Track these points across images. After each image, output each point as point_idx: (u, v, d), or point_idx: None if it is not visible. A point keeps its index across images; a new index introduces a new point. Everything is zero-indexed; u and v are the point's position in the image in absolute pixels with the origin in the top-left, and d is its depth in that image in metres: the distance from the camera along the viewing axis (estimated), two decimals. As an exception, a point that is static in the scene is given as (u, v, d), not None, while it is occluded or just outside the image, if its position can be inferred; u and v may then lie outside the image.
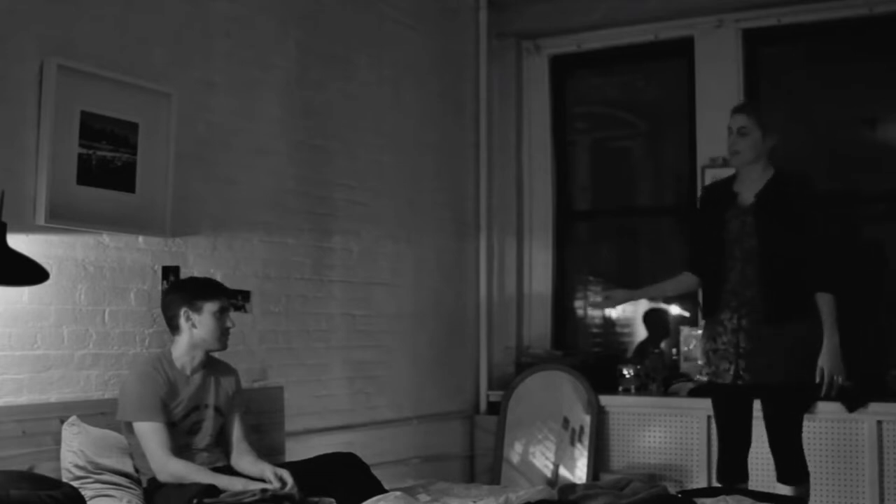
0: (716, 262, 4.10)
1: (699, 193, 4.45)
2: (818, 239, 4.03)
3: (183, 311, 3.59)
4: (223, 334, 3.63)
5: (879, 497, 4.72)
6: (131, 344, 3.84)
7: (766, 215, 4.01)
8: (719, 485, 4.14)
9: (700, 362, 4.85)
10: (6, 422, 3.31)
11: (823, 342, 3.94)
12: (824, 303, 3.97)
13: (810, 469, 4.10)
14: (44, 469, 3.31)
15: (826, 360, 3.93)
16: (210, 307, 3.60)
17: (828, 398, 4.34)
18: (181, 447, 3.52)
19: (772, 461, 4.08)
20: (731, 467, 4.13)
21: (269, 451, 4.11)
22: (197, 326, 3.59)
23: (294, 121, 4.63)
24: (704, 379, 5.12)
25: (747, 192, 4.10)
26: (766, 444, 4.07)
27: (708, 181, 5.42)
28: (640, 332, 6.15)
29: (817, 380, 3.93)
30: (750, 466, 4.18)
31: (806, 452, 4.06)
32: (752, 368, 4.00)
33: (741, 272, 4.03)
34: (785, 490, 3.99)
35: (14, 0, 3.45)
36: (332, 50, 4.86)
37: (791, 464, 4.03)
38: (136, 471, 3.52)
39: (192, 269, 4.08)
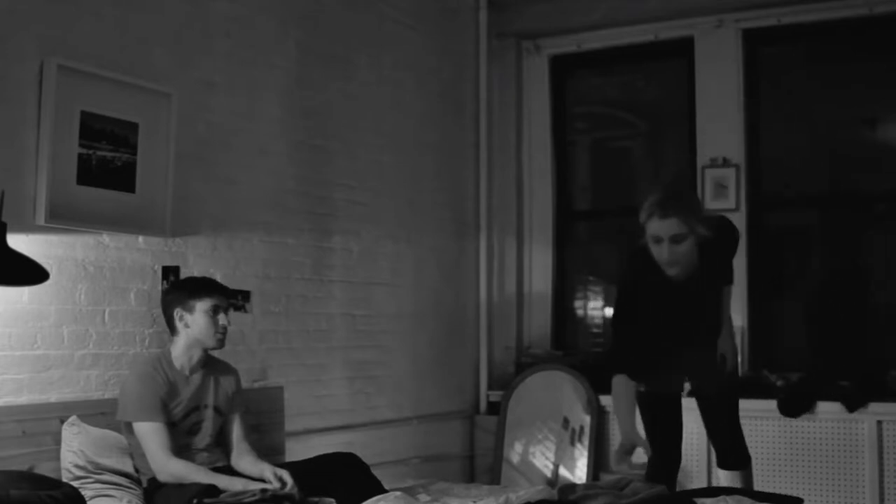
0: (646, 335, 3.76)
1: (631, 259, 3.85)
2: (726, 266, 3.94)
3: (177, 312, 3.61)
4: (217, 332, 3.62)
5: (879, 497, 4.72)
6: (131, 344, 3.84)
7: (699, 286, 3.71)
8: (709, 485, 4.14)
9: None
10: (6, 422, 3.31)
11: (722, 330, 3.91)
12: (726, 294, 3.94)
13: (808, 467, 4.09)
14: (44, 469, 3.31)
15: (722, 344, 3.92)
16: (202, 306, 3.60)
17: (729, 382, 4.06)
18: (181, 447, 3.52)
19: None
20: (670, 465, 4.00)
21: (269, 451, 4.11)
22: (190, 326, 3.60)
23: (294, 121, 4.63)
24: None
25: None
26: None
27: (709, 181, 5.45)
28: (640, 332, 6.14)
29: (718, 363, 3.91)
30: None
31: (806, 453, 4.06)
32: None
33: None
34: (728, 476, 3.93)
35: (14, 0, 3.45)
36: (332, 50, 4.86)
37: (733, 449, 3.97)
38: (136, 471, 3.52)
39: (192, 269, 4.08)
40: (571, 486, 3.91)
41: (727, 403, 4.02)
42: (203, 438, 3.62)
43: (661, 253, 3.53)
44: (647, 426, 4.00)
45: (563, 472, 5.34)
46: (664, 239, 3.50)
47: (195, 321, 3.59)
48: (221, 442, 3.70)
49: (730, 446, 3.99)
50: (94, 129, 3.65)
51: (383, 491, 3.60)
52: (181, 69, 4.06)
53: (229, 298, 3.82)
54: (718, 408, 4.00)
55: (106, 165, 3.70)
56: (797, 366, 5.24)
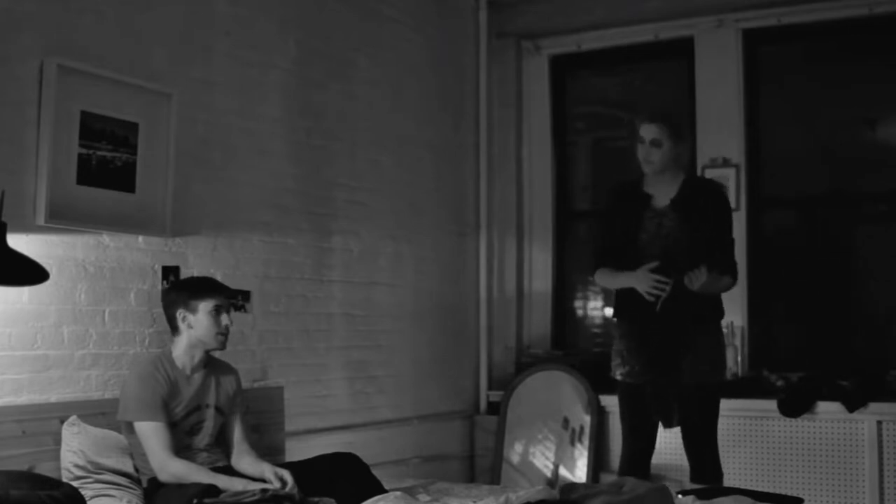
0: (631, 261, 4.03)
1: (610, 189, 4.37)
2: (728, 240, 4.05)
3: (179, 312, 3.60)
4: (220, 333, 3.62)
5: (879, 497, 4.72)
6: (131, 344, 3.84)
7: (680, 217, 4.00)
8: (719, 485, 4.12)
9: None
10: (6, 422, 3.31)
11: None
12: (721, 278, 3.95)
13: (808, 467, 4.08)
14: (44, 469, 3.31)
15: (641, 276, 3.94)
16: (205, 307, 3.59)
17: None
18: (182, 447, 3.52)
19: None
20: (639, 465, 4.07)
21: (269, 451, 4.11)
22: (193, 326, 3.59)
23: (294, 121, 4.63)
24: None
25: (661, 196, 4.07)
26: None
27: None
28: (640, 332, 6.13)
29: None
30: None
31: (806, 453, 4.03)
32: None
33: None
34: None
35: (14, 0, 3.45)
36: (332, 50, 4.87)
37: (710, 461, 4.00)
38: (136, 471, 3.52)
39: (192, 269, 4.08)
40: (573, 486, 3.90)
41: (707, 405, 4.00)
42: (203, 438, 3.62)
43: (640, 151, 4.07)
44: (627, 427, 4.09)
45: (563, 472, 5.34)
46: (646, 141, 4.05)
47: (198, 321, 3.59)
48: (222, 442, 3.70)
49: (707, 458, 3.99)
50: (94, 129, 3.65)
51: (383, 491, 3.60)
52: (181, 69, 4.06)
53: (230, 298, 3.82)
54: (696, 408, 3.98)
55: (106, 165, 3.70)
56: (797, 366, 5.24)
